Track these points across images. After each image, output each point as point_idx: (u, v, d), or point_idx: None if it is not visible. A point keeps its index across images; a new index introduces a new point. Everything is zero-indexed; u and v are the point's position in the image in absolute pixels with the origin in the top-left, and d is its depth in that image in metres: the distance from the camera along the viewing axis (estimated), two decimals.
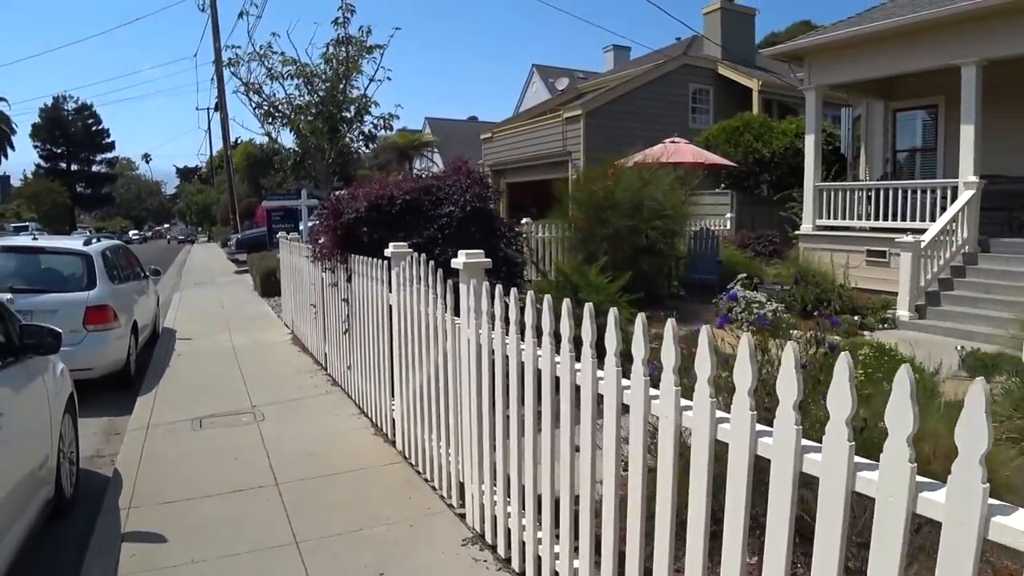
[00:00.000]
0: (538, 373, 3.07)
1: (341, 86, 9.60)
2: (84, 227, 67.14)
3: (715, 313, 11.20)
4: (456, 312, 3.92)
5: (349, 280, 6.33)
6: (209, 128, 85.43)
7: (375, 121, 10.05)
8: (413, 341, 4.71)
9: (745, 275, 11.76)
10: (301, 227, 13.82)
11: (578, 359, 2.76)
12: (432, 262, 4.15)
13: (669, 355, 2.27)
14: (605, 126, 20.76)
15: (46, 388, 4.20)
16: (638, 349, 2.40)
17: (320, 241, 7.00)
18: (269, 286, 14.87)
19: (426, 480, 4.70)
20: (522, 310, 3.04)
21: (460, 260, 3.69)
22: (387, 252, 5.08)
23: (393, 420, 5.40)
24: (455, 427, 4.08)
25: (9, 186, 74.68)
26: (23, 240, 8.13)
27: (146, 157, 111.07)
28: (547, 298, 2.86)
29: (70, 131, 78.39)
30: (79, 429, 5.32)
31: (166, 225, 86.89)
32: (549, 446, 3.03)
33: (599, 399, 2.67)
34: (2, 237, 8.85)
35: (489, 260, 3.74)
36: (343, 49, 9.42)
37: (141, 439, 5.79)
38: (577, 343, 2.75)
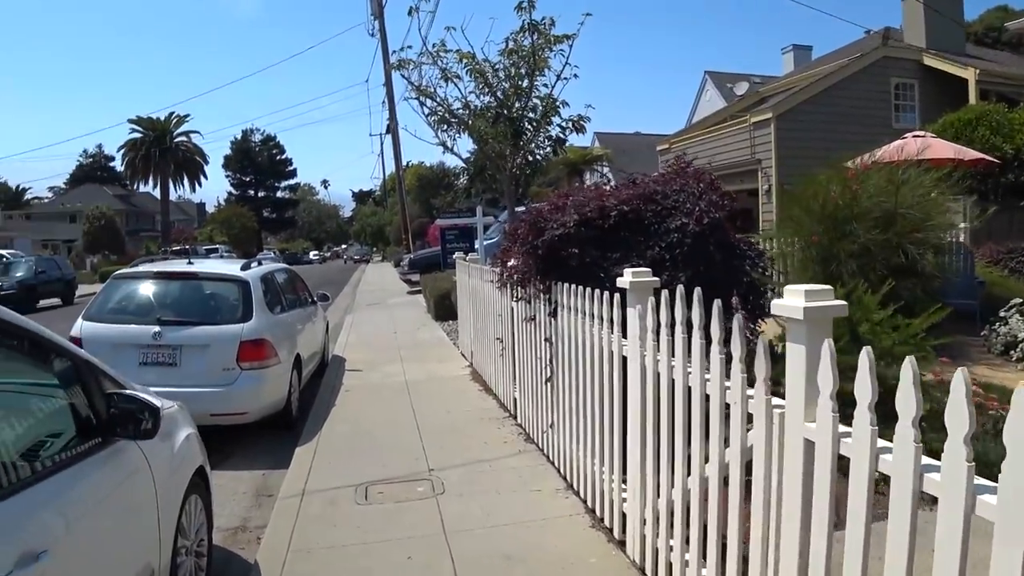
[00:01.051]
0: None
1: (524, 83, 8.29)
2: (270, 248, 71.77)
3: (987, 350, 9.00)
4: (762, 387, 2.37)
5: (553, 315, 4.91)
6: (382, 151, 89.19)
7: (563, 124, 8.66)
8: (671, 418, 3.19)
9: (1021, 300, 9.42)
10: (477, 246, 12.80)
11: None
12: (718, 304, 2.61)
13: None
14: (797, 130, 18.44)
15: (152, 476, 2.96)
16: (959, 424, 1.60)
17: (510, 263, 5.65)
18: (443, 309, 14.04)
19: None
20: None
21: (796, 303, 2.12)
22: (622, 282, 3.60)
23: (623, 515, 3.88)
24: (763, 567, 2.50)
25: (204, 212, 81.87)
26: (176, 265, 7.34)
27: (325, 183, 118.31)
28: None
29: (257, 161, 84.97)
30: (224, 490, 4.26)
31: (343, 246, 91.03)
32: None
33: None
34: (146, 262, 8.15)
35: (844, 303, 2.16)
36: (528, 39, 8.13)
37: (293, 514, 4.60)
38: None
